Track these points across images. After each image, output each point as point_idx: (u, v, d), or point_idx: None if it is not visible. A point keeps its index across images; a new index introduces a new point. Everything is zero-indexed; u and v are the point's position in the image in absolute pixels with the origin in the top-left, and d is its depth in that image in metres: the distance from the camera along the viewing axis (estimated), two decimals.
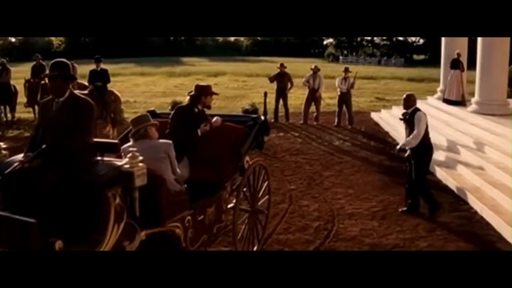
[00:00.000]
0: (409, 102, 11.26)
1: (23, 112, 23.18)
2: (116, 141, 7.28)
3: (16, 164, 6.31)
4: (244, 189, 8.67)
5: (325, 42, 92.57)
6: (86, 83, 19.15)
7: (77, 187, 5.97)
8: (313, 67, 22.06)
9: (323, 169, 14.86)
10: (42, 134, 6.65)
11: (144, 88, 36.50)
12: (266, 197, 9.55)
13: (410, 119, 11.08)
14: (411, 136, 10.98)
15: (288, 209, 11.42)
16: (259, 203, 9.20)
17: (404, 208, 11.32)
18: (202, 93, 8.81)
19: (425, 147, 11.08)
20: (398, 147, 11.60)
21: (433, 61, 55.59)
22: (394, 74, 49.91)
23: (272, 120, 22.00)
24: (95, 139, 6.81)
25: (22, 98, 22.35)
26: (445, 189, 12.89)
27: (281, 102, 22.39)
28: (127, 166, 6.15)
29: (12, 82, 22.54)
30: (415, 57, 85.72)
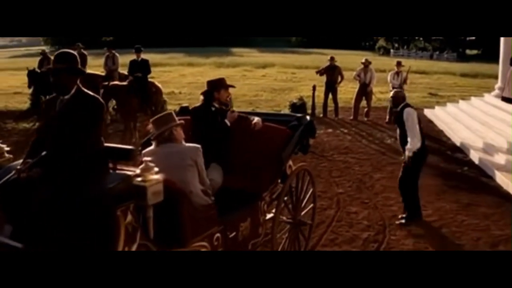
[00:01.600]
0: (397, 99, 10.30)
1: None
2: (131, 147, 6.23)
3: (11, 173, 5.39)
4: (286, 198, 7.64)
5: None
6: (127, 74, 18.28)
7: (80, 202, 4.96)
8: (364, 60, 20.78)
9: (374, 171, 13.66)
10: (44, 138, 5.73)
11: (191, 79, 35.55)
12: (311, 205, 8.42)
13: (399, 117, 10.04)
14: (409, 140, 9.88)
15: (335, 216, 10.28)
16: (303, 213, 8.12)
17: (403, 220, 10.12)
18: (213, 88, 7.76)
19: (419, 147, 9.99)
20: (407, 157, 10.12)
21: (487, 56, 53.67)
22: (446, 69, 48.18)
23: (321, 115, 21.05)
24: (107, 144, 5.81)
25: None
26: (507, 196, 11.55)
27: (330, 96, 21.13)
28: (139, 179, 5.11)
29: None
30: (468, 52, 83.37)
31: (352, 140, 17.34)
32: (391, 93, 10.72)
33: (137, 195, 5.09)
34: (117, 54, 20.24)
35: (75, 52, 5.77)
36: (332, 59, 21.11)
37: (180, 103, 21.86)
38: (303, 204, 8.06)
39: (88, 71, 20.30)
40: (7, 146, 6.37)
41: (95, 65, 24.30)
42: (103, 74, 20.14)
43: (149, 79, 17.74)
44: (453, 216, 10.33)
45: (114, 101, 16.69)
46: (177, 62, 47.31)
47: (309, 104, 21.63)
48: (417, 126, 9.83)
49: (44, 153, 5.50)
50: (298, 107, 21.35)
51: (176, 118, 6.39)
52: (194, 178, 6.13)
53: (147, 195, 5.07)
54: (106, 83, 16.75)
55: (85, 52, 21.73)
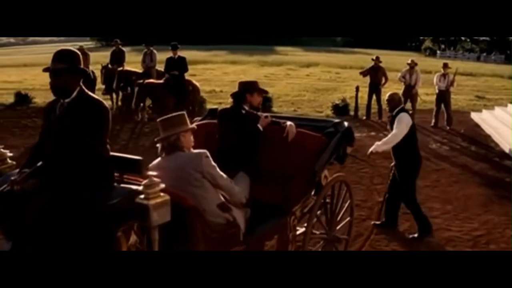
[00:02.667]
0: (393, 102, 9.49)
1: (104, 99, 21.78)
2: (139, 158, 5.51)
3: (5, 184, 4.81)
4: (319, 212, 6.92)
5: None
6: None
7: (76, 220, 4.33)
8: (409, 61, 19.82)
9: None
10: (43, 146, 5.15)
11: (234, 77, 34.78)
12: (347, 219, 7.65)
13: (392, 121, 9.29)
14: (385, 138, 9.40)
15: (374, 228, 9.44)
16: (338, 227, 7.36)
17: (378, 222, 9.57)
18: (246, 90, 7.09)
19: (412, 157, 9.32)
20: (370, 150, 9.61)
21: None
22: (494, 71, 46.78)
23: (364, 118, 20.23)
24: (113, 153, 5.20)
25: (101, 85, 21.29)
26: None
27: (374, 97, 20.25)
28: (142, 196, 4.42)
29: (91, 67, 21.21)
30: None
31: None
32: (387, 96, 9.85)
33: (140, 215, 4.43)
34: (155, 51, 19.64)
35: (76, 50, 5.16)
36: (376, 59, 20.23)
37: (220, 102, 21.43)
38: (338, 218, 7.30)
39: (126, 68, 19.93)
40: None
41: (134, 62, 23.75)
42: (140, 71, 19.56)
43: (187, 77, 17.13)
44: (501, 231, 9.42)
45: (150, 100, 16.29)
46: (221, 60, 46.79)
47: (352, 105, 20.84)
48: (404, 133, 9.08)
49: (40, 163, 4.91)
50: (341, 108, 20.65)
51: (188, 122, 5.67)
52: (206, 194, 5.39)
53: (150, 215, 4.40)
54: (141, 80, 16.23)
55: (123, 49, 21.26)
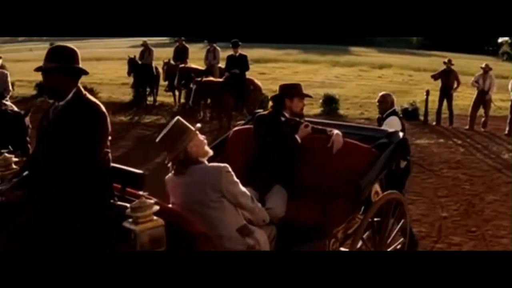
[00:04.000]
0: (385, 104, 8.75)
1: (167, 96, 21.41)
2: (141, 172, 4.81)
3: None
4: (366, 234, 6.08)
5: (500, 40, 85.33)
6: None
7: (61, 239, 3.85)
8: (484, 65, 18.67)
9: (486, 191, 11.74)
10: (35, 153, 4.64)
11: (303, 76, 33.89)
12: (401, 240, 6.72)
13: (380, 125, 8.50)
14: None
15: (433, 248, 8.35)
16: (389, 249, 6.45)
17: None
18: (285, 94, 6.33)
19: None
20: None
21: None
22: None
23: (434, 123, 19.10)
24: (114, 165, 4.59)
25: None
26: None
27: (445, 102, 19.08)
28: (129, 220, 3.74)
29: (154, 63, 20.78)
30: None
31: (465, 153, 15.34)
32: (378, 96, 9.04)
33: (126, 241, 3.75)
34: (218, 48, 18.99)
35: (73, 48, 4.57)
36: (448, 62, 19.10)
37: None
38: (388, 241, 6.39)
39: (190, 65, 19.38)
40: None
41: (198, 59, 23.21)
42: (202, 68, 18.98)
43: (249, 76, 16.42)
44: None
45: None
46: (292, 59, 45.87)
47: (422, 109, 19.77)
48: None
49: (26, 173, 4.43)
50: (410, 112, 19.63)
51: (189, 126, 4.82)
52: (224, 215, 4.64)
53: (137, 243, 3.72)
54: (199, 78, 15.61)
55: (187, 45, 20.73)
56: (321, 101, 20.17)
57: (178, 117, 4.92)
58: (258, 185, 5.78)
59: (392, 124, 8.16)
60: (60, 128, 4.35)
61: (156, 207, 3.80)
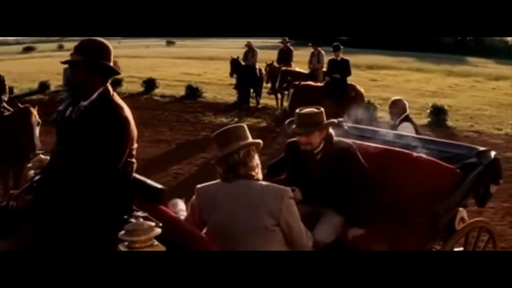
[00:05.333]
0: (395, 110, 8.40)
1: (270, 99, 20.87)
2: (160, 187, 4.28)
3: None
4: None
5: None
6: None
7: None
8: None
9: None
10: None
11: (415, 85, 32.75)
12: None
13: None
14: None
15: None
16: None
17: None
18: None
19: None
20: None
21: None
22: None
23: None
24: (136, 176, 4.12)
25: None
26: None
27: None
28: (124, 244, 3.18)
29: (258, 65, 20.25)
30: None
31: None
32: (390, 102, 8.77)
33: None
34: (322, 52, 18.30)
35: (105, 42, 4.05)
36: None
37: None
38: None
39: (294, 68, 18.77)
40: None
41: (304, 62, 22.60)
42: (305, 72, 18.32)
43: (350, 82, 15.65)
44: None
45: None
46: (406, 67, 44.46)
47: None
48: None
49: (37, 177, 4.08)
50: None
51: (249, 136, 4.21)
52: (271, 248, 3.92)
53: None
54: (297, 82, 14.95)
55: (291, 47, 20.11)
56: (428, 111, 19.06)
57: (243, 124, 4.36)
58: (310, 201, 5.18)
59: (406, 131, 7.52)
60: (80, 130, 3.91)
61: (157, 231, 3.15)
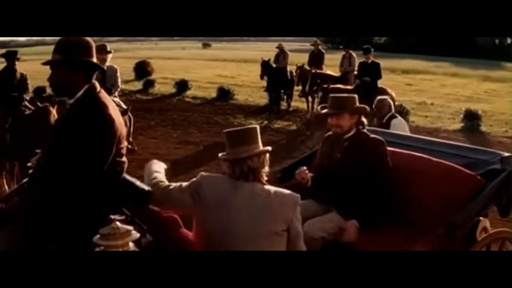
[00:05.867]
0: (382, 108, 8.44)
1: (302, 102, 20.60)
2: (147, 188, 4.07)
3: None
4: None
5: None
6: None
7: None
8: None
9: None
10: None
11: (450, 90, 32.23)
12: None
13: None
14: None
15: None
16: None
17: None
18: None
19: None
20: None
21: None
22: None
23: None
24: (125, 176, 3.97)
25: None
26: None
27: None
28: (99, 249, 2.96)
29: (289, 68, 20.01)
30: None
31: None
32: (375, 101, 8.71)
33: None
34: (354, 54, 17.97)
35: (86, 39, 3.91)
36: None
37: (426, 115, 19.37)
38: None
39: (325, 71, 18.52)
40: None
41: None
42: (336, 75, 18.04)
43: (381, 85, 15.34)
44: None
45: None
46: (442, 71, 43.84)
47: None
48: None
49: (24, 181, 3.97)
50: None
51: (259, 140, 4.01)
52: (273, 249, 3.77)
53: None
54: (326, 85, 14.69)
55: (323, 50, 19.85)
56: (462, 116, 18.64)
57: (257, 126, 4.16)
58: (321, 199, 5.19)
59: (401, 126, 7.79)
60: (65, 129, 3.76)
61: (134, 236, 2.93)
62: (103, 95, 3.89)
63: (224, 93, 22.80)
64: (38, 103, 9.12)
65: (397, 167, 5.11)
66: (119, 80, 10.48)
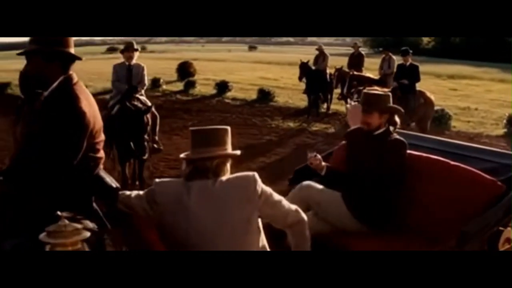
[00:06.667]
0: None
1: (341, 105, 20.17)
2: (115, 185, 3.88)
3: None
4: None
5: None
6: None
7: None
8: None
9: None
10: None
11: (496, 95, 31.27)
12: None
13: None
14: None
15: None
16: None
17: None
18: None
19: None
20: None
21: None
22: None
23: None
24: (100, 173, 3.85)
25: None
26: None
27: None
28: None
29: (328, 70, 19.62)
30: None
31: None
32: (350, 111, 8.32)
33: None
34: (393, 57, 17.51)
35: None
36: None
37: (469, 121, 18.86)
38: None
39: (364, 73, 18.13)
40: None
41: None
42: (375, 77, 17.60)
43: (419, 88, 14.84)
44: None
45: None
46: (488, 77, 42.83)
47: None
48: None
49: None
50: None
51: (229, 142, 3.72)
52: (257, 243, 3.57)
53: None
54: (361, 87, 14.26)
55: (363, 52, 19.44)
56: (505, 121, 18.01)
57: (228, 128, 3.82)
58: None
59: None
60: (37, 121, 3.63)
61: (84, 234, 2.65)
62: (79, 87, 3.74)
63: (264, 95, 22.55)
64: None
65: (411, 170, 4.75)
66: (146, 78, 10.25)
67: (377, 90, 13.94)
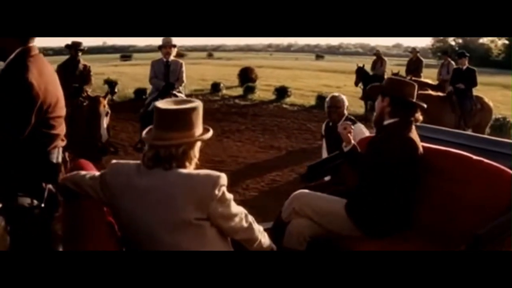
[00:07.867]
0: (340, 109, 7.85)
1: None
2: (57, 162, 3.69)
3: None
4: None
5: None
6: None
7: None
8: None
9: None
10: None
11: None
12: None
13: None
14: None
15: None
16: None
17: None
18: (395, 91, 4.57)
19: None
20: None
21: None
22: None
23: None
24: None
25: None
26: None
27: None
28: None
29: (386, 76, 18.98)
30: None
31: None
32: (329, 101, 8.01)
33: None
34: (452, 62, 16.80)
35: None
36: None
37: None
38: None
39: (422, 79, 17.56)
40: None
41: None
42: (433, 83, 16.92)
43: (477, 93, 14.11)
44: None
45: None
46: None
47: None
48: None
49: None
50: None
51: (200, 124, 3.22)
52: (201, 246, 3.06)
53: None
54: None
55: (421, 58, 18.76)
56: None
57: (198, 106, 3.21)
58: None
59: (362, 131, 6.94)
60: None
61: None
62: (35, 59, 3.57)
63: (323, 101, 22.00)
64: (89, 94, 8.75)
65: (427, 166, 4.19)
66: (184, 75, 9.94)
67: (431, 94, 13.27)
